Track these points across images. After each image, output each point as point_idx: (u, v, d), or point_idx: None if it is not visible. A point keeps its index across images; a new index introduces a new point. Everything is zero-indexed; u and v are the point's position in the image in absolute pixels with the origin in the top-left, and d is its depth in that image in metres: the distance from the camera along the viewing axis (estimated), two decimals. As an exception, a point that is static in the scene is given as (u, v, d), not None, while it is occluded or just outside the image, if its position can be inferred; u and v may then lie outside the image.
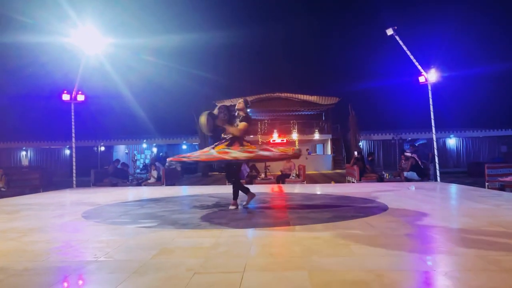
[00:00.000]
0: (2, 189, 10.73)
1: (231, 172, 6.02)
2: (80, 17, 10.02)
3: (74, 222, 4.69)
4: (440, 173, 10.54)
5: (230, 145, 5.30)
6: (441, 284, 2.30)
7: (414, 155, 11.38)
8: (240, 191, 5.71)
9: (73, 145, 11.73)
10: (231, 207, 5.53)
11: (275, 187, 9.83)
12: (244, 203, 5.72)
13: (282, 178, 12.00)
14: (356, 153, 11.32)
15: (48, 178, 16.12)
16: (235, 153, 5.06)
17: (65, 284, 2.41)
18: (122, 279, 2.39)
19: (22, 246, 3.42)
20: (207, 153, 5.31)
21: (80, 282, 2.48)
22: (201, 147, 20.06)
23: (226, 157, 5.03)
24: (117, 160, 14.70)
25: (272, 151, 5.35)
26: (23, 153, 32.38)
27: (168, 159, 6.09)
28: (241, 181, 5.82)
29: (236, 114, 5.66)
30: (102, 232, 4.01)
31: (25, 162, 31.77)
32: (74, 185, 11.00)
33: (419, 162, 11.29)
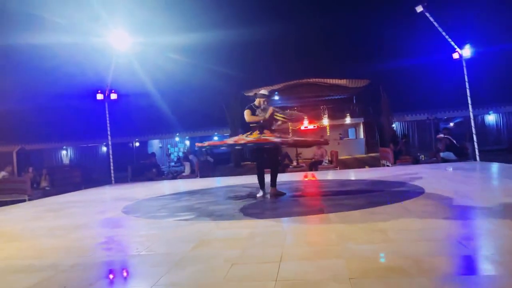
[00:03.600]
0: (47, 188, 11.27)
1: (273, 159, 5.98)
2: (110, 17, 10.30)
3: (115, 218, 4.89)
4: (480, 151, 10.16)
5: (260, 133, 5.39)
6: (482, 268, 2.26)
7: (448, 136, 11.03)
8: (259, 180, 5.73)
9: (109, 142, 12.13)
10: (269, 193, 5.62)
11: (308, 174, 9.81)
12: (259, 194, 5.69)
13: (314, 165, 11.95)
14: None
15: (88, 175, 16.76)
16: (273, 138, 5.17)
17: (112, 278, 2.54)
18: (164, 272, 2.49)
19: (69, 243, 3.61)
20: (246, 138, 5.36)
21: (126, 275, 2.60)
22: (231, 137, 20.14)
23: (270, 139, 5.12)
24: (153, 154, 15.19)
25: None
26: (64, 152, 33.73)
27: (197, 144, 6.13)
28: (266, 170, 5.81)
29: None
30: (142, 226, 4.17)
31: (66, 161, 33.10)
32: (113, 181, 11.40)
33: (454, 142, 10.92)
